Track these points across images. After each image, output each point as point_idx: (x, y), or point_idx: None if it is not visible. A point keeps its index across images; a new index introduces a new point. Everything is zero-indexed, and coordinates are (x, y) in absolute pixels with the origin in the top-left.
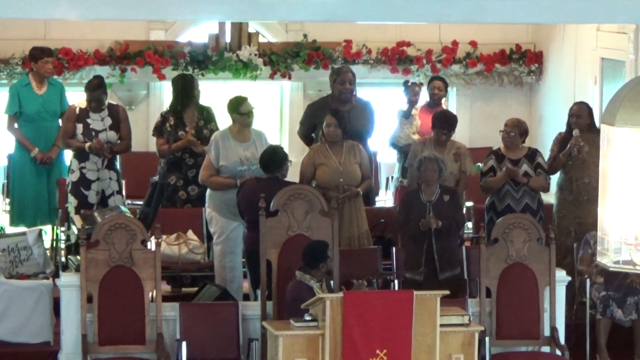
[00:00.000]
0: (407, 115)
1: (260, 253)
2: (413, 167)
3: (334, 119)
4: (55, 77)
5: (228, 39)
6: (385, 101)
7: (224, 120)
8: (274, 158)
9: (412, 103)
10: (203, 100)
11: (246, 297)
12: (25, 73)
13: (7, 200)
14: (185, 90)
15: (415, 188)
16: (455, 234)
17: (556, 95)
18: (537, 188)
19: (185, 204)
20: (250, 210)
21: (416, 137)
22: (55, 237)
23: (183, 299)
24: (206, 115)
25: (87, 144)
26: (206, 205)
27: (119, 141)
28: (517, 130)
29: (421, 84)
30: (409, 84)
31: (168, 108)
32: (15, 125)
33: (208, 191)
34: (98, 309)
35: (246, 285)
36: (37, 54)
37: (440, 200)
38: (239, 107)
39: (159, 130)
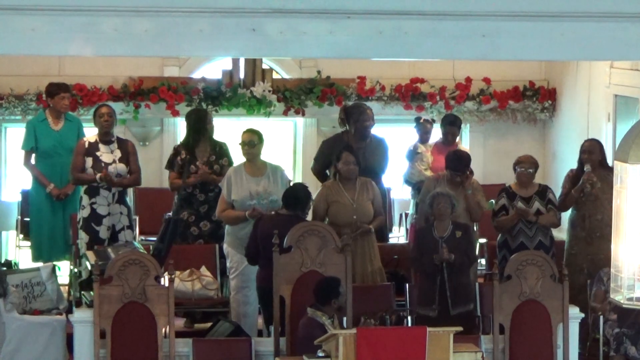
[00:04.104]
0: (409, 157)
1: (274, 289)
2: (424, 203)
3: (352, 157)
4: (72, 113)
5: (242, 75)
6: (399, 138)
7: (240, 156)
8: (300, 196)
9: (424, 140)
10: (217, 136)
11: (260, 333)
12: (42, 109)
13: (21, 236)
14: (197, 125)
15: (427, 224)
16: (468, 270)
17: (570, 132)
18: (548, 224)
19: (197, 239)
20: (268, 247)
21: (429, 173)
22: (70, 273)
23: (196, 334)
24: (219, 151)
25: (98, 175)
26: (225, 240)
27: (128, 175)
28: (534, 167)
29: (433, 120)
30: (421, 120)
31: (181, 142)
32: (32, 161)
33: (226, 226)
34: (111, 345)
35: (261, 321)
36: (54, 90)
37: (452, 236)
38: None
39: (170, 164)
